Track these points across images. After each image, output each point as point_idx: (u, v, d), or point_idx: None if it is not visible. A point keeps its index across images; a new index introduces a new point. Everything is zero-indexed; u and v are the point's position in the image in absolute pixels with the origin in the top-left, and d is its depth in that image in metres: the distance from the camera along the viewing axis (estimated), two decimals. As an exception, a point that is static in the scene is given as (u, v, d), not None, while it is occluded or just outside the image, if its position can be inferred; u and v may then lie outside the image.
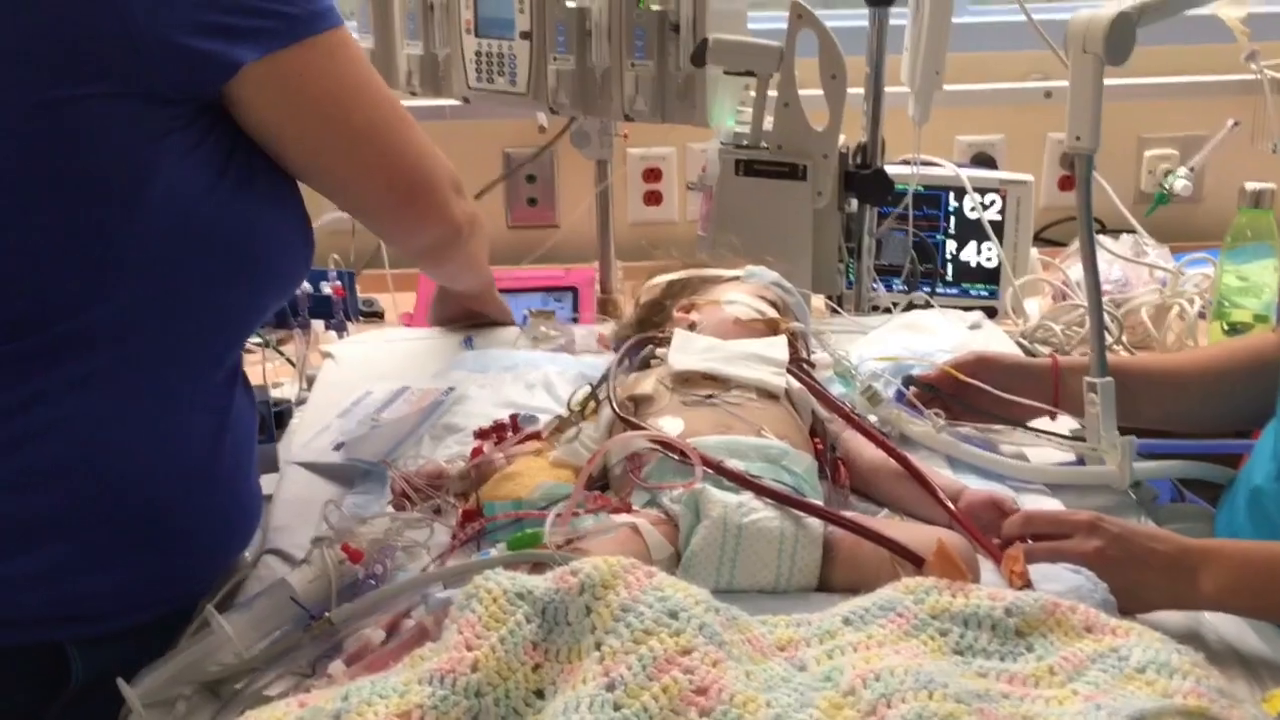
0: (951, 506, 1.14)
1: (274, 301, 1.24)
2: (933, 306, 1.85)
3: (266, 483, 1.33)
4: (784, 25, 1.69)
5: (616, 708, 0.81)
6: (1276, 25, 2.01)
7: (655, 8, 1.68)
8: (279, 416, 1.63)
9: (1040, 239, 2.18)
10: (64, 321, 1.05)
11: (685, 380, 1.22)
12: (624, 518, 1.06)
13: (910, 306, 1.89)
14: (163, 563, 1.12)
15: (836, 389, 1.36)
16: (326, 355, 1.71)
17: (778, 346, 1.28)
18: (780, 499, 1.06)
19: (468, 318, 1.78)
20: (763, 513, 1.05)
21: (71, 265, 1.05)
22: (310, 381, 1.69)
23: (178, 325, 1.11)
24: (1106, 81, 1.17)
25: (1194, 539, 1.09)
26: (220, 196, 1.10)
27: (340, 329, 1.86)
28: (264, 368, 1.78)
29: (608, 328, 1.69)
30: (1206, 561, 1.06)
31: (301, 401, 1.66)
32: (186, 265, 1.09)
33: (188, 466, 1.14)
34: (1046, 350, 1.74)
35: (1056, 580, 1.04)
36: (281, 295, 1.25)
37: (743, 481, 1.07)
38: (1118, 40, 1.14)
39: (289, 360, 1.82)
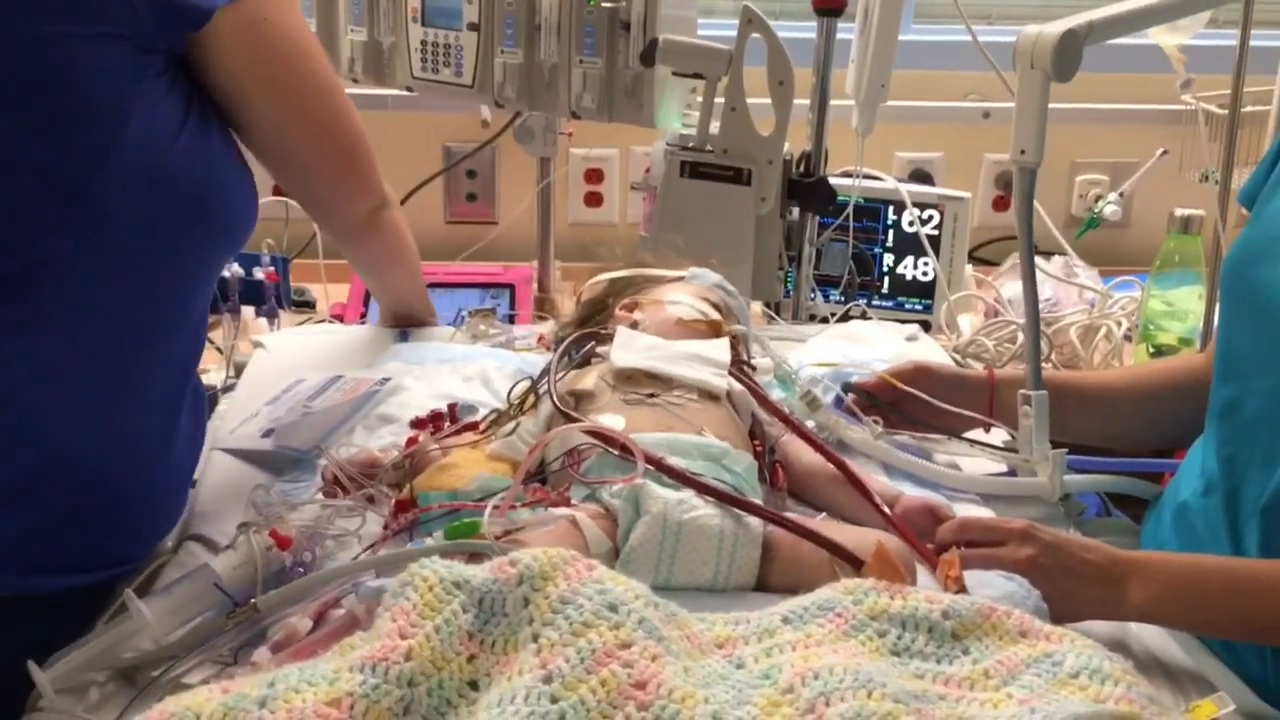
0: (888, 511, 1.15)
1: (224, 256, 1.27)
2: (870, 318, 1.86)
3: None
4: (734, 32, 1.70)
5: (554, 700, 0.79)
6: (1211, 58, 2.06)
7: (606, 5, 1.68)
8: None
9: (974, 258, 2.22)
10: (20, 257, 1.05)
11: (627, 378, 1.21)
12: (563, 511, 1.05)
13: (847, 317, 1.90)
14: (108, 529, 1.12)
15: (776, 394, 1.36)
16: (257, 345, 1.67)
17: (720, 348, 1.27)
18: (721, 497, 1.06)
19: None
20: (703, 510, 1.04)
21: (43, 203, 1.05)
22: (239, 369, 1.65)
23: (136, 274, 1.11)
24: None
25: (1123, 551, 1.11)
26: (183, 144, 1.12)
27: (272, 315, 1.82)
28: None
29: (547, 328, 1.68)
30: (1135, 572, 1.07)
31: (229, 389, 1.61)
32: (150, 211, 1.10)
33: (143, 437, 1.14)
34: (979, 365, 1.76)
35: (991, 586, 1.05)
36: (230, 248, 1.25)
37: (683, 478, 1.06)
38: (1065, 57, 1.16)
39: (216, 347, 1.78)
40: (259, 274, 1.80)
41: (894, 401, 1.38)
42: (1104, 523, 1.45)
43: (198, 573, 1.03)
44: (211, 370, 1.74)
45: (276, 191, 2.14)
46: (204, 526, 1.18)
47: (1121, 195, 2.23)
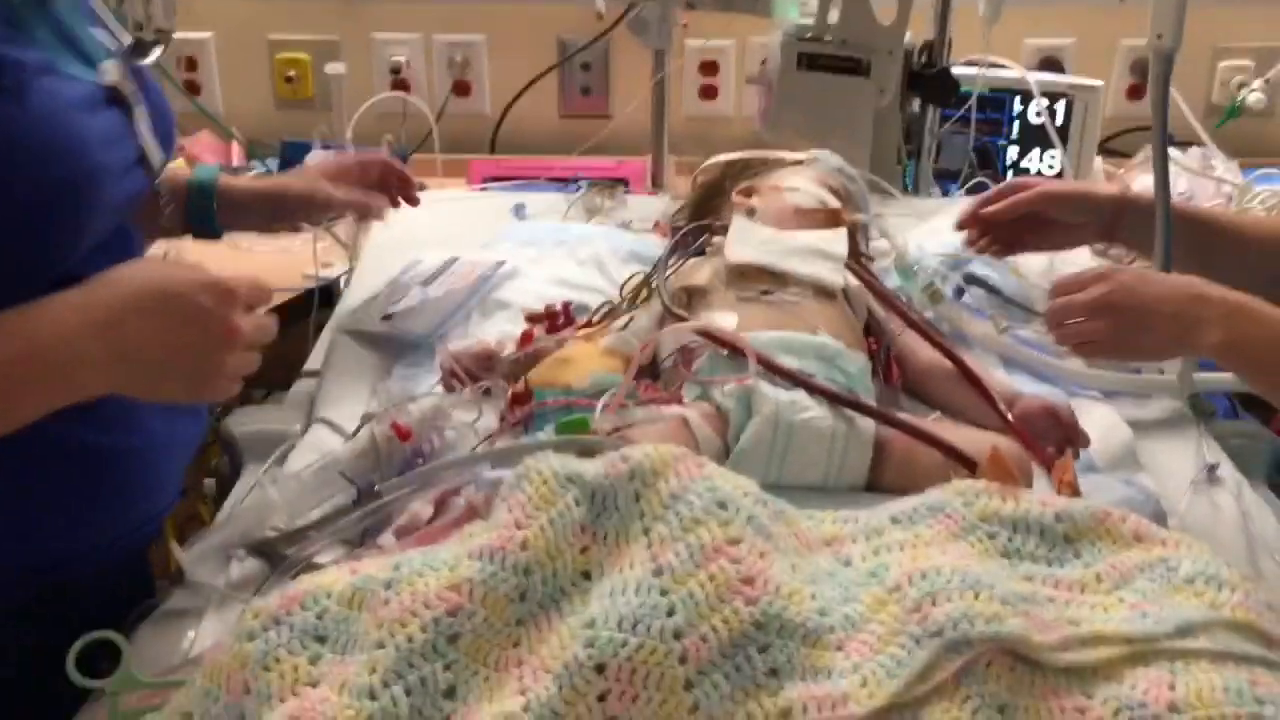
0: (1006, 412, 1.13)
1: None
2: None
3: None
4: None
5: (663, 592, 0.81)
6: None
7: (723, -110, 1.63)
8: (326, 292, 1.64)
9: (1105, 149, 2.12)
10: None
11: (741, 273, 1.21)
12: (674, 409, 1.06)
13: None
14: None
15: (895, 282, 1.33)
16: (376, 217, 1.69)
17: (838, 240, 1.25)
18: (833, 398, 1.05)
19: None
20: (814, 411, 1.04)
21: None
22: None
23: None
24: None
25: (1216, 289, 1.03)
26: None
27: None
28: (315, 247, 1.78)
29: (662, 202, 1.65)
30: (1221, 313, 1.00)
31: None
32: None
33: None
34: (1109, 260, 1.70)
35: (1108, 491, 1.04)
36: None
37: (795, 379, 1.06)
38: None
39: (341, 241, 1.82)
40: (378, 169, 1.82)
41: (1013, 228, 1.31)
42: (1233, 425, 1.41)
43: (325, 461, 1.07)
44: (336, 264, 1.79)
45: (395, 86, 2.17)
46: (329, 409, 1.23)
47: (1267, 82, 2.11)
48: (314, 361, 1.42)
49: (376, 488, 1.03)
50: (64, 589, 1.01)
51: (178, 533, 1.27)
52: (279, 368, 1.50)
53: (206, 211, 1.28)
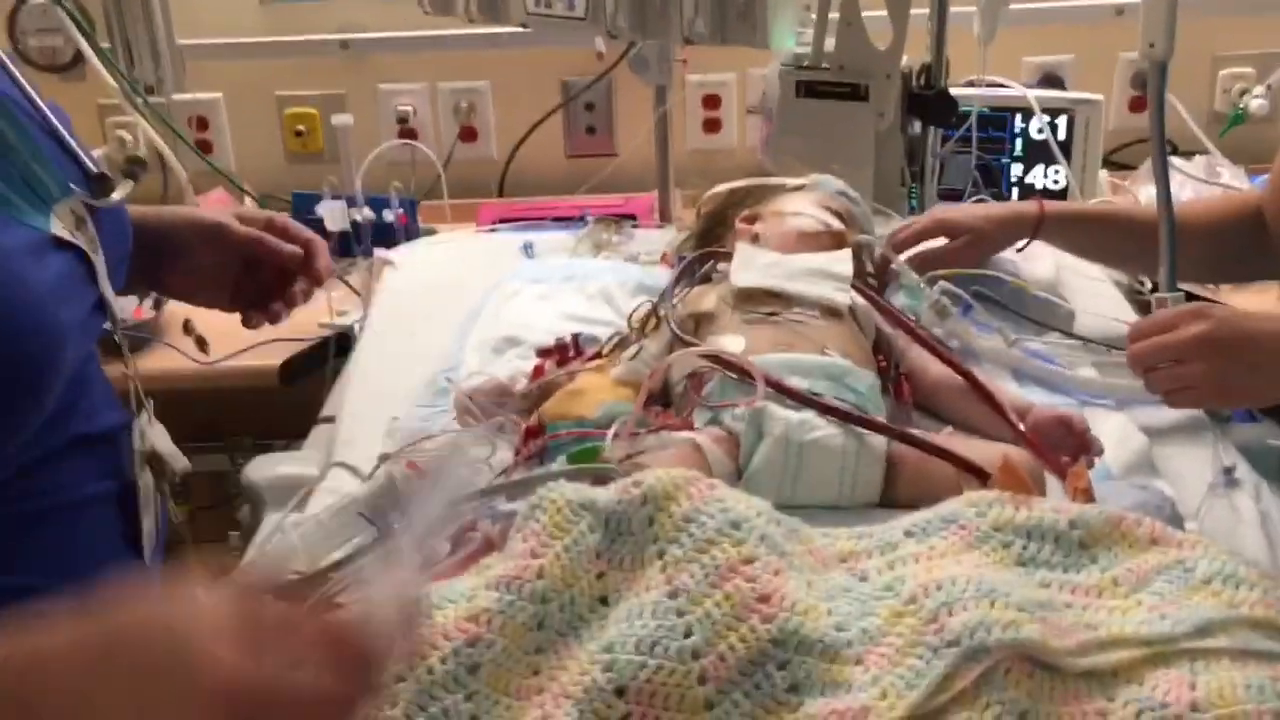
0: (1019, 424, 1.13)
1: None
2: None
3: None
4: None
5: (680, 614, 0.82)
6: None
7: (714, -74, 1.65)
8: (343, 339, 1.66)
9: (1110, 162, 2.13)
10: None
11: (748, 297, 1.22)
12: (685, 435, 1.07)
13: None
14: None
15: (901, 300, 1.34)
16: (387, 263, 1.72)
17: (842, 261, 1.26)
18: (843, 417, 1.06)
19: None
20: (825, 430, 1.05)
21: None
22: (375, 309, 1.71)
23: None
24: (1179, -3, 1.13)
25: None
26: None
27: (403, 257, 1.87)
28: (329, 297, 1.81)
29: (668, 236, 1.66)
30: None
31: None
32: None
33: None
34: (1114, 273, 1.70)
35: (1123, 497, 1.03)
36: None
37: (804, 399, 1.07)
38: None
39: (354, 290, 1.84)
40: (389, 216, 1.85)
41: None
42: (1249, 429, 1.40)
43: (343, 503, 1.08)
44: (350, 311, 1.81)
45: (402, 135, 2.21)
46: (346, 454, 1.24)
47: (1269, 88, 2.12)
48: (330, 408, 1.44)
49: (395, 526, 1.04)
50: None
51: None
52: (297, 417, 1.53)
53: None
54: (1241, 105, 2.13)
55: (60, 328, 0.84)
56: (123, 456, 0.98)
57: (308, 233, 1.17)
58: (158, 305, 1.86)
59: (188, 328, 1.76)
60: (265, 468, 1.29)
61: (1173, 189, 1.35)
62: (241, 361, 1.74)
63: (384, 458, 1.12)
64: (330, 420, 1.39)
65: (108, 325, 0.97)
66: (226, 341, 1.74)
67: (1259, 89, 2.13)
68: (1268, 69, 2.16)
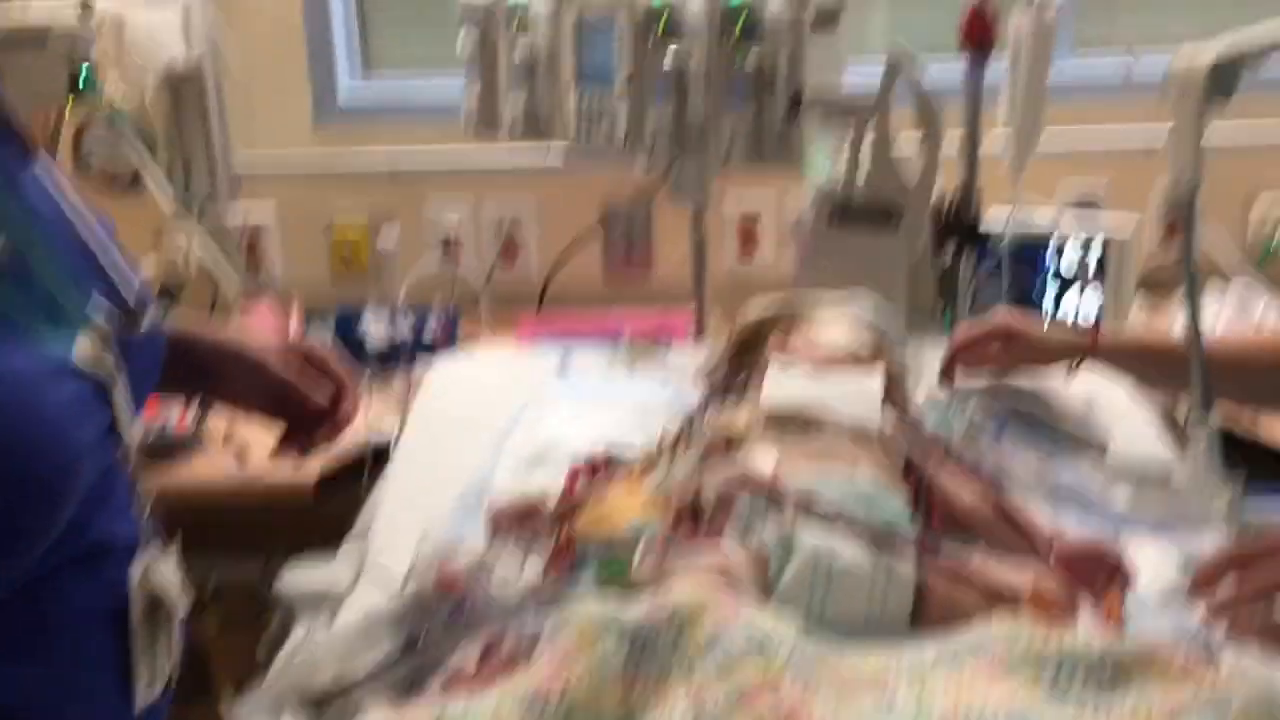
0: (1050, 554, 1.12)
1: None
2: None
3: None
4: (881, 73, 1.71)
5: (705, 736, 0.81)
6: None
7: (753, 59, 1.71)
8: (380, 453, 1.68)
9: (1146, 286, 2.14)
10: None
11: (779, 417, 1.22)
12: (714, 554, 1.07)
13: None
14: None
15: (933, 420, 1.34)
16: (424, 376, 1.74)
17: (873, 383, 1.27)
18: (873, 540, 1.05)
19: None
20: (854, 554, 1.04)
21: None
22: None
23: None
24: (1216, 125, 1.16)
25: None
26: None
27: (441, 371, 1.90)
28: (368, 409, 1.83)
29: (702, 353, 1.68)
30: None
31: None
32: None
33: None
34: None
35: (1157, 628, 1.02)
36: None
37: (834, 522, 1.07)
38: (1220, 80, 1.13)
39: (392, 403, 1.87)
40: (429, 331, 1.89)
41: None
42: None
43: (372, 616, 1.09)
44: (389, 423, 1.84)
45: (445, 252, 2.26)
46: (378, 567, 1.25)
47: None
48: (364, 520, 1.45)
49: (422, 640, 1.04)
50: None
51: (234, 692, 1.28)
52: (332, 528, 1.54)
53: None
54: (1278, 238, 2.14)
55: (74, 449, 0.84)
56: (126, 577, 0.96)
57: (343, 376, 1.23)
58: (201, 417, 1.90)
59: (228, 439, 1.79)
60: (296, 579, 1.30)
61: (1206, 318, 1.38)
62: (279, 473, 1.76)
63: (414, 571, 1.13)
64: (363, 533, 1.40)
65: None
66: (266, 451, 1.77)
67: (1294, 219, 2.14)
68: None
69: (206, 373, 1.17)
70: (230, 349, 1.18)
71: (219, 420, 1.84)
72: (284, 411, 1.21)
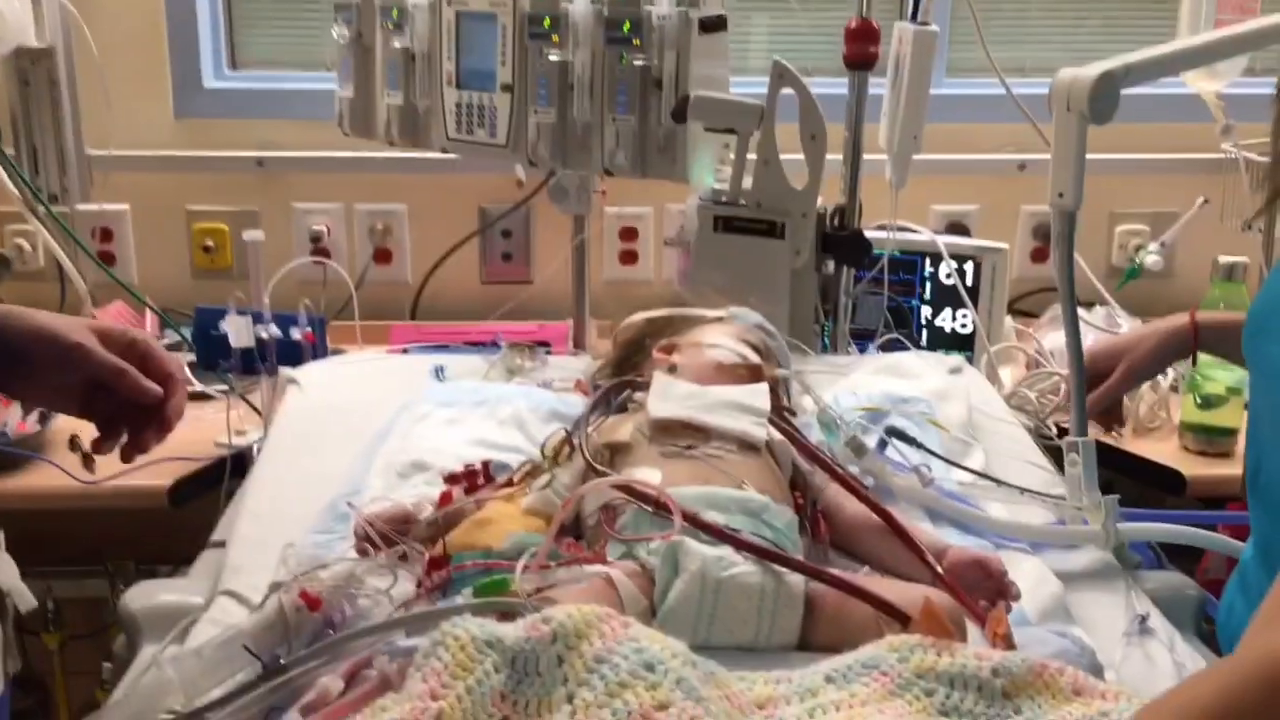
0: (937, 566, 1.11)
1: None
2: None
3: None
4: (765, 90, 1.70)
5: (589, 762, 0.77)
6: (1250, 106, 2.03)
7: (638, 63, 1.69)
8: (239, 460, 1.59)
9: (1013, 310, 2.19)
10: None
11: (664, 428, 1.19)
12: (598, 568, 1.02)
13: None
14: None
15: (818, 437, 1.33)
16: (291, 381, 1.65)
17: (760, 395, 1.25)
18: (761, 554, 1.03)
19: None
20: (742, 567, 1.02)
21: None
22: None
23: None
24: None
25: None
26: None
27: (308, 376, 1.82)
28: (228, 415, 1.74)
29: (583, 364, 1.64)
30: None
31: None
32: None
33: None
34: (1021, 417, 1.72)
35: (1043, 644, 1.01)
36: None
37: (722, 535, 1.04)
38: (1101, 98, 1.14)
39: (255, 408, 1.78)
40: (296, 334, 1.80)
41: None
42: (1159, 576, 1.41)
43: (227, 635, 1.01)
44: (250, 430, 1.75)
45: (315, 254, 2.18)
46: (235, 581, 1.17)
47: (1163, 245, 2.21)
48: (221, 532, 1.37)
49: (283, 661, 0.97)
50: None
51: (72, 720, 1.18)
52: (186, 541, 1.45)
53: None
54: (1138, 260, 2.22)
55: None
56: None
57: (170, 367, 1.12)
58: (44, 419, 1.77)
59: (74, 444, 1.67)
60: (145, 595, 1.20)
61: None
62: (129, 481, 1.65)
63: (275, 587, 1.05)
64: (220, 545, 1.31)
65: None
66: (114, 458, 1.66)
67: (1154, 245, 2.22)
68: (1160, 226, 2.26)
69: (15, 357, 1.05)
70: (38, 332, 1.07)
71: (64, 425, 1.72)
72: (102, 405, 1.09)
